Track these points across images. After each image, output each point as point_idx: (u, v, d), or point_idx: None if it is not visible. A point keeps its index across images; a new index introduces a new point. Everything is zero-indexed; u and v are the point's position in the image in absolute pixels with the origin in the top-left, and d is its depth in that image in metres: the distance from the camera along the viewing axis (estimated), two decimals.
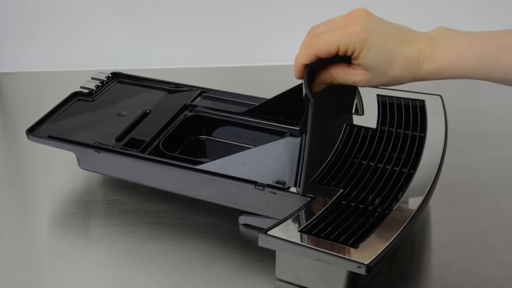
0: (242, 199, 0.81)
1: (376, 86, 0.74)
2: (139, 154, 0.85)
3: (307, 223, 0.72)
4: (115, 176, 0.90)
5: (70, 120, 0.93)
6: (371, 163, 0.81)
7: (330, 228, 0.71)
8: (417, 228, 0.84)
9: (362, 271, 0.66)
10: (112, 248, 0.83)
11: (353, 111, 0.90)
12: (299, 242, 0.69)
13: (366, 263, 0.66)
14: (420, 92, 0.93)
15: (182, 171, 0.82)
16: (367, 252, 0.67)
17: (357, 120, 0.88)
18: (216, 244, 0.83)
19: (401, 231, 0.70)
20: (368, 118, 0.88)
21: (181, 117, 0.94)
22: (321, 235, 0.70)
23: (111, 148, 0.87)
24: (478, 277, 0.77)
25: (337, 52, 0.70)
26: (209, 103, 0.97)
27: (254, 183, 0.78)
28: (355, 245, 0.68)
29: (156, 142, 0.89)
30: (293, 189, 0.77)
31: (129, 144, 0.88)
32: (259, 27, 1.28)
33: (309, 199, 0.76)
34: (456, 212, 0.87)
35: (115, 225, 0.87)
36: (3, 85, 1.23)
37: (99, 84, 1.00)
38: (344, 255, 0.67)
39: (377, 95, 0.92)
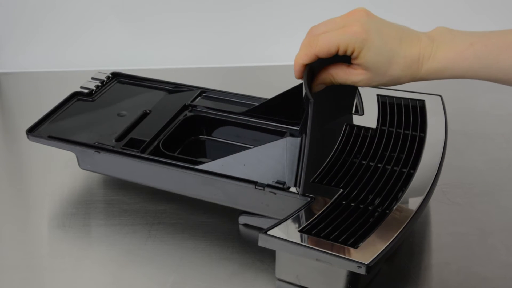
0: (242, 199, 0.81)
1: (376, 86, 0.74)
2: (139, 154, 0.85)
3: (307, 223, 0.72)
4: (115, 176, 0.90)
5: (70, 120, 0.93)
6: (371, 163, 0.81)
7: (330, 228, 0.71)
8: (417, 228, 0.84)
9: (362, 271, 0.66)
10: (112, 248, 0.83)
11: (353, 111, 0.90)
12: (299, 242, 0.69)
13: (366, 263, 0.66)
14: (420, 92, 0.93)
15: (182, 171, 0.82)
16: (367, 252, 0.67)
17: (357, 120, 0.88)
18: (216, 244, 0.83)
19: (401, 231, 0.70)
20: (368, 118, 0.88)
21: (181, 117, 0.94)
22: (321, 235, 0.70)
23: (111, 148, 0.87)
24: (478, 277, 0.77)
25: (337, 52, 0.70)
26: (209, 103, 0.97)
27: (254, 183, 0.78)
28: (355, 245, 0.68)
29: (156, 142, 0.89)
30: (293, 189, 0.77)
31: (129, 144, 0.88)
32: (259, 27, 1.28)
33: (309, 199, 0.76)
34: (456, 212, 0.87)
35: (115, 225, 0.87)
36: (3, 85, 1.23)
37: (99, 84, 1.00)
38: (344, 255, 0.67)
39: (377, 95, 0.92)
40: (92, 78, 1.01)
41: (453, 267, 0.79)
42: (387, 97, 0.92)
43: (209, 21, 1.28)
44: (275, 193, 0.77)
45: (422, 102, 0.91)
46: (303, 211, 0.74)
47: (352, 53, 0.70)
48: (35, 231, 0.88)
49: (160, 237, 0.84)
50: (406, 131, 0.85)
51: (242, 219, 0.85)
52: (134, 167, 0.85)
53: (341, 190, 0.76)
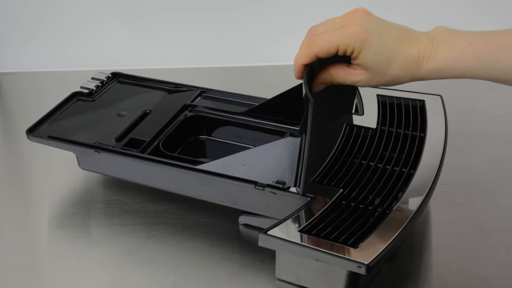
0: (242, 199, 0.81)
1: (375, 86, 0.74)
2: (139, 154, 0.85)
3: (307, 223, 0.72)
4: (115, 176, 0.90)
5: (70, 120, 0.93)
6: (371, 163, 0.81)
7: (330, 228, 0.71)
8: (417, 228, 0.84)
9: (362, 271, 0.66)
10: (112, 248, 0.83)
11: (353, 111, 0.90)
12: (299, 242, 0.69)
13: (366, 263, 0.66)
14: (420, 92, 0.93)
15: (182, 171, 0.82)
16: (367, 252, 0.67)
17: (357, 120, 0.88)
18: (216, 244, 0.83)
19: (401, 231, 0.70)
20: (368, 118, 0.88)
21: (181, 117, 0.94)
22: (321, 235, 0.70)
23: (111, 148, 0.87)
24: (478, 277, 0.77)
25: (337, 52, 0.70)
26: (209, 103, 0.97)
27: (254, 183, 0.78)
28: (355, 245, 0.68)
29: (156, 142, 0.89)
30: (293, 189, 0.77)
31: (129, 144, 0.88)
32: (259, 27, 1.28)
33: (309, 199, 0.76)
34: (456, 212, 0.87)
35: (115, 225, 0.87)
36: (3, 85, 1.23)
37: (99, 84, 1.00)
38: (344, 255, 0.67)
39: (377, 95, 0.92)
40: (92, 78, 1.01)
41: (453, 267, 0.79)
42: (387, 97, 0.92)
43: (209, 21, 1.28)
44: (275, 193, 0.77)
45: (422, 102, 0.91)
46: (303, 211, 0.74)
47: (352, 53, 0.70)
48: (35, 231, 0.88)
49: (160, 237, 0.84)
50: (406, 131, 0.85)
51: (242, 219, 0.85)
52: (134, 167, 0.85)
53: (341, 190, 0.76)
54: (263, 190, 0.78)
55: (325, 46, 0.70)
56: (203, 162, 0.82)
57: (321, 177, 0.79)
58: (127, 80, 1.03)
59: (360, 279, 0.71)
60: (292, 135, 0.89)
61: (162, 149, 0.87)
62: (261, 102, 0.93)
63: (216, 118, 0.95)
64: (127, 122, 0.92)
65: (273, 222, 0.73)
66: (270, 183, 0.78)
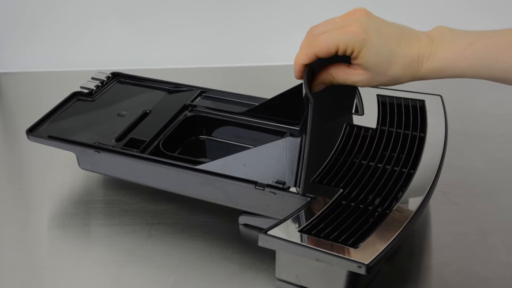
0: (242, 199, 0.81)
1: (376, 86, 0.74)
2: (139, 154, 0.85)
3: (307, 223, 0.72)
4: (115, 176, 0.90)
5: (70, 120, 0.93)
6: (371, 163, 0.81)
7: (330, 228, 0.71)
8: (417, 228, 0.84)
9: (362, 271, 0.66)
10: (112, 248, 0.83)
11: (353, 111, 0.90)
12: (299, 242, 0.69)
13: (366, 263, 0.66)
14: (420, 92, 0.93)
15: (182, 171, 0.82)
16: (367, 252, 0.67)
17: (357, 120, 0.88)
18: (216, 244, 0.83)
19: (401, 231, 0.70)
20: (368, 118, 0.88)
21: (181, 117, 0.94)
22: (321, 235, 0.70)
23: (111, 148, 0.87)
24: (478, 277, 0.77)
25: (337, 52, 0.70)
26: (209, 103, 0.97)
27: (254, 183, 0.78)
28: (355, 245, 0.68)
29: (156, 142, 0.89)
30: (293, 189, 0.77)
31: (129, 144, 0.88)
32: (259, 27, 1.28)
33: (309, 199, 0.76)
34: (456, 212, 0.87)
35: (115, 225, 0.87)
36: (3, 85, 1.23)
37: (99, 84, 1.00)
38: (344, 255, 0.67)
39: (377, 95, 0.92)
40: (92, 78, 1.01)
41: (453, 267, 0.79)
42: (387, 97, 0.92)
43: (209, 21, 1.28)
44: (275, 193, 0.77)
45: (422, 102, 0.91)
46: (303, 211, 0.74)
47: (352, 53, 0.70)
48: (35, 231, 0.88)
49: (160, 237, 0.84)
50: (406, 131, 0.85)
51: (242, 219, 0.85)
52: (134, 167, 0.85)
53: (341, 190, 0.76)
54: (263, 190, 0.78)
55: (325, 46, 0.70)
56: (203, 162, 0.82)
57: (321, 177, 0.79)
58: (127, 80, 1.03)
59: (360, 279, 0.71)
60: (292, 135, 0.89)
61: (162, 149, 0.87)
62: (261, 102, 0.93)
63: (216, 118, 0.95)
64: (127, 122, 0.92)
65: (273, 222, 0.73)
66: (270, 183, 0.78)
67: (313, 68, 0.75)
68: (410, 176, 0.78)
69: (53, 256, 0.83)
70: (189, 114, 0.95)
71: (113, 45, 1.29)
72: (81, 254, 0.83)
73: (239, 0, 1.26)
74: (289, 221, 0.73)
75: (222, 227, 0.85)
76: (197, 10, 1.27)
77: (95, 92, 0.99)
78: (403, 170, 0.79)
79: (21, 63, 1.28)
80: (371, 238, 0.69)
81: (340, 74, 0.73)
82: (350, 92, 0.88)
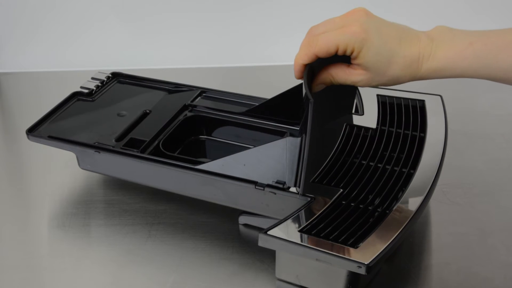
0: (242, 199, 0.81)
1: (376, 86, 0.74)
2: (139, 154, 0.85)
3: (307, 223, 0.72)
4: (115, 176, 0.90)
5: (70, 120, 0.93)
6: (371, 163, 0.81)
7: (330, 228, 0.71)
8: (417, 228, 0.84)
9: (362, 271, 0.66)
10: (112, 248, 0.83)
11: (353, 111, 0.90)
12: (299, 242, 0.69)
13: (366, 263, 0.66)
14: (420, 92, 0.93)
15: (182, 171, 0.82)
16: (367, 252, 0.67)
17: (357, 120, 0.88)
18: (216, 244, 0.83)
19: (401, 231, 0.70)
20: (368, 118, 0.88)
21: (181, 117, 0.94)
22: (321, 235, 0.70)
23: (111, 148, 0.87)
24: (478, 277, 0.77)
25: (337, 52, 0.70)
26: (209, 103, 0.97)
27: (254, 183, 0.78)
28: (355, 245, 0.68)
29: (156, 142, 0.89)
30: (293, 189, 0.77)
31: (129, 144, 0.88)
32: (259, 27, 1.28)
33: (309, 199, 0.76)
34: (456, 212, 0.87)
35: (115, 225, 0.87)
36: (3, 85, 1.23)
37: (99, 84, 1.00)
38: (344, 255, 0.67)
39: (377, 95, 0.92)
40: (92, 78, 1.01)
41: (453, 267, 0.79)
42: (387, 97, 0.92)
43: (209, 21, 1.28)
44: (275, 193, 0.77)
45: (422, 102, 0.91)
46: (303, 211, 0.74)
47: (352, 53, 0.70)
48: (35, 231, 0.88)
49: (160, 237, 0.84)
50: (406, 131, 0.85)
51: (242, 219, 0.85)
52: (134, 167, 0.85)
53: (341, 190, 0.76)
54: (263, 190, 0.78)
55: (324, 46, 0.70)
56: (203, 162, 0.82)
57: (321, 177, 0.79)
58: (127, 80, 1.03)
59: (360, 279, 0.71)
60: (292, 135, 0.89)
61: (162, 149, 0.87)
62: (261, 102, 0.93)
63: (216, 118, 0.95)
64: (127, 122, 0.92)
65: (273, 222, 0.73)
66: (270, 183, 0.78)
67: (313, 68, 0.75)
68: (410, 176, 0.78)
69: (53, 256, 0.83)
70: (189, 114, 0.95)
71: (113, 45, 1.29)
72: (81, 254, 0.83)
73: (239, 0, 1.26)
74: (289, 221, 0.73)
75: (222, 227, 0.85)
76: (197, 10, 1.27)
77: (95, 92, 0.99)
78: (403, 170, 0.79)
79: (21, 63, 1.28)
80: (371, 238, 0.69)
81: (340, 74, 0.73)
82: (350, 92, 0.88)
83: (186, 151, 0.93)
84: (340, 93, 0.85)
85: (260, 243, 0.71)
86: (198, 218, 0.87)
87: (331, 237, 0.69)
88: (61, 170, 0.97)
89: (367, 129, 0.86)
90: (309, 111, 0.70)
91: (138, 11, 1.27)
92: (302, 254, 0.69)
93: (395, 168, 0.79)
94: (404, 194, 0.75)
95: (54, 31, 1.28)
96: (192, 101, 0.97)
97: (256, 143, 0.91)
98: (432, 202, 0.87)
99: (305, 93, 0.73)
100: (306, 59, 0.71)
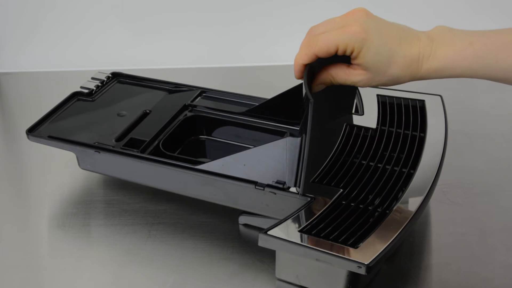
0: (242, 199, 0.81)
1: (376, 86, 0.74)
2: (139, 154, 0.85)
3: (307, 223, 0.72)
4: (115, 176, 0.90)
5: (70, 120, 0.93)
6: (371, 163, 0.81)
7: (330, 228, 0.70)
8: (417, 228, 0.84)
9: (362, 271, 0.66)
10: (112, 248, 0.83)
11: (353, 111, 0.90)
12: (299, 242, 0.69)
13: (366, 263, 0.66)
14: (420, 92, 0.93)
15: (182, 171, 0.82)
16: (367, 252, 0.67)
17: (357, 120, 0.88)
18: (216, 244, 0.83)
19: (401, 231, 0.70)
20: (368, 118, 0.88)
21: (181, 117, 0.94)
22: (321, 235, 0.70)
23: (111, 148, 0.87)
24: (478, 277, 0.77)
25: (336, 51, 0.70)
26: (209, 103, 0.97)
27: (254, 183, 0.78)
28: (355, 245, 0.68)
29: (156, 142, 0.89)
30: (293, 189, 0.77)
31: (129, 144, 0.88)
32: (259, 27, 1.28)
33: (309, 199, 0.76)
34: (456, 212, 0.87)
35: (115, 225, 0.87)
36: (3, 85, 1.23)
37: (99, 84, 1.00)
38: (344, 255, 0.67)
39: (377, 95, 0.92)
40: (92, 78, 1.01)
41: (453, 267, 0.79)
42: (387, 97, 0.92)
43: (209, 21, 1.28)
44: (275, 193, 0.77)
45: (422, 102, 0.91)
46: (303, 211, 0.74)
47: (352, 53, 0.70)
48: (35, 231, 0.88)
49: (160, 237, 0.84)
50: (406, 131, 0.85)
51: (242, 219, 0.85)
52: (134, 167, 0.85)
53: (341, 190, 0.76)
54: (263, 190, 0.78)
55: (324, 46, 0.70)
56: (203, 162, 0.82)
57: (321, 177, 0.79)
58: (127, 80, 1.03)
59: (360, 279, 0.71)
60: (292, 135, 0.89)
61: (162, 149, 0.87)
62: (261, 102, 0.93)
63: (216, 118, 0.95)
64: (127, 122, 0.92)
65: (273, 222, 0.73)
66: (270, 183, 0.78)
67: (313, 68, 0.75)
68: (410, 176, 0.78)
69: (53, 256, 0.83)
70: (189, 114, 0.95)
71: (113, 45, 1.29)
72: (81, 254, 0.83)
73: (239, 0, 1.26)
74: (289, 221, 0.73)
75: (222, 227, 0.85)
76: (197, 10, 1.27)
77: (95, 92, 0.99)
78: (403, 170, 0.79)
79: (21, 63, 1.28)
80: (371, 238, 0.69)
81: (340, 74, 0.73)
82: (350, 92, 0.88)
83: (186, 151, 0.93)
84: (340, 93, 0.85)
85: (260, 243, 0.71)
86: (198, 218, 0.87)
87: (331, 237, 0.69)
88: (61, 170, 0.97)
89: (367, 129, 0.86)
90: (309, 111, 0.70)
91: (138, 11, 1.27)
92: (302, 254, 0.69)
93: (395, 168, 0.79)
94: (404, 194, 0.75)
95: (54, 31, 1.28)
96: (192, 101, 0.97)
97: (256, 143, 0.91)
98: (432, 202, 0.87)
99: (305, 93, 0.73)
100: (306, 59, 0.71)
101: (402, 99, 0.92)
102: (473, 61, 0.69)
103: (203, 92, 0.99)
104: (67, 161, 0.95)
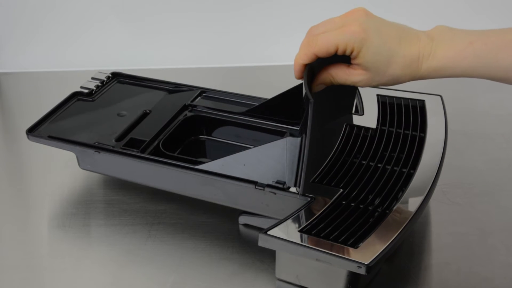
0: (242, 199, 0.81)
1: (376, 86, 0.74)
2: (139, 154, 0.85)
3: (307, 223, 0.72)
4: (115, 176, 0.90)
5: (70, 120, 0.93)
6: (371, 163, 0.81)
7: (330, 228, 0.70)
8: (417, 228, 0.84)
9: (362, 271, 0.66)
10: (112, 248, 0.83)
11: (353, 111, 0.90)
12: (299, 242, 0.69)
13: (366, 263, 0.66)
14: (420, 92, 0.93)
15: (182, 171, 0.82)
16: (367, 252, 0.67)
17: (357, 120, 0.88)
18: (216, 244, 0.83)
19: (401, 231, 0.70)
20: (368, 118, 0.88)
21: (181, 117, 0.94)
22: (321, 235, 0.70)
23: (111, 148, 0.87)
24: (478, 277, 0.77)
25: (336, 51, 0.70)
26: (209, 103, 0.97)
27: (254, 183, 0.78)
28: (355, 245, 0.68)
29: (156, 142, 0.89)
30: (293, 189, 0.77)
31: (129, 144, 0.88)
32: (259, 27, 1.28)
33: (309, 199, 0.76)
34: (456, 212, 0.87)
35: (115, 225, 0.87)
36: (3, 85, 1.23)
37: (99, 84, 1.00)
38: (344, 255, 0.67)
39: (377, 95, 0.92)
40: (92, 78, 1.01)
41: (453, 267, 0.79)
42: (387, 97, 0.92)
43: (209, 21, 1.28)
44: (275, 193, 0.77)
45: (422, 102, 0.91)
46: (303, 211, 0.74)
47: (351, 52, 0.70)
48: (35, 231, 0.88)
49: (160, 237, 0.84)
50: (406, 131, 0.85)
51: (242, 219, 0.85)
52: (134, 167, 0.85)
53: (341, 190, 0.76)
54: (263, 190, 0.78)
55: (324, 45, 0.70)
56: (203, 162, 0.82)
57: (321, 177, 0.79)
58: (127, 80, 1.03)
59: (360, 279, 0.71)
60: (292, 135, 0.89)
61: (162, 149, 0.87)
62: (261, 102, 0.93)
63: (216, 118, 0.95)
64: (127, 122, 0.92)
65: (273, 222, 0.73)
66: (270, 183, 0.78)
67: (313, 68, 0.75)
68: (410, 176, 0.78)
69: (53, 256, 0.83)
70: (189, 114, 0.95)
71: (113, 45, 1.29)
72: (81, 254, 0.83)
73: (239, 0, 1.26)
74: (289, 221, 0.73)
75: (222, 227, 0.85)
76: (197, 10, 1.27)
77: (95, 92, 0.99)
78: (403, 170, 0.79)
79: (21, 63, 1.28)
80: (371, 238, 0.69)
81: (340, 74, 0.73)
82: (350, 92, 0.88)
83: (186, 151, 0.93)
84: (340, 93, 0.85)
85: (260, 243, 0.71)
86: (198, 218, 0.87)
87: (331, 237, 0.69)
88: (61, 170, 0.97)
89: (367, 129, 0.86)
90: (309, 111, 0.70)
91: (138, 11, 1.27)
92: (302, 254, 0.69)
93: (395, 168, 0.79)
94: (404, 194, 0.75)
95: (54, 31, 1.28)
96: (192, 101, 0.97)
97: (256, 143, 0.91)
98: (432, 202, 0.87)
99: (305, 93, 0.73)
100: (306, 59, 0.71)
101: (402, 99, 0.92)
102: (473, 60, 0.69)
103: (203, 92, 0.99)
104: (67, 161, 0.95)
